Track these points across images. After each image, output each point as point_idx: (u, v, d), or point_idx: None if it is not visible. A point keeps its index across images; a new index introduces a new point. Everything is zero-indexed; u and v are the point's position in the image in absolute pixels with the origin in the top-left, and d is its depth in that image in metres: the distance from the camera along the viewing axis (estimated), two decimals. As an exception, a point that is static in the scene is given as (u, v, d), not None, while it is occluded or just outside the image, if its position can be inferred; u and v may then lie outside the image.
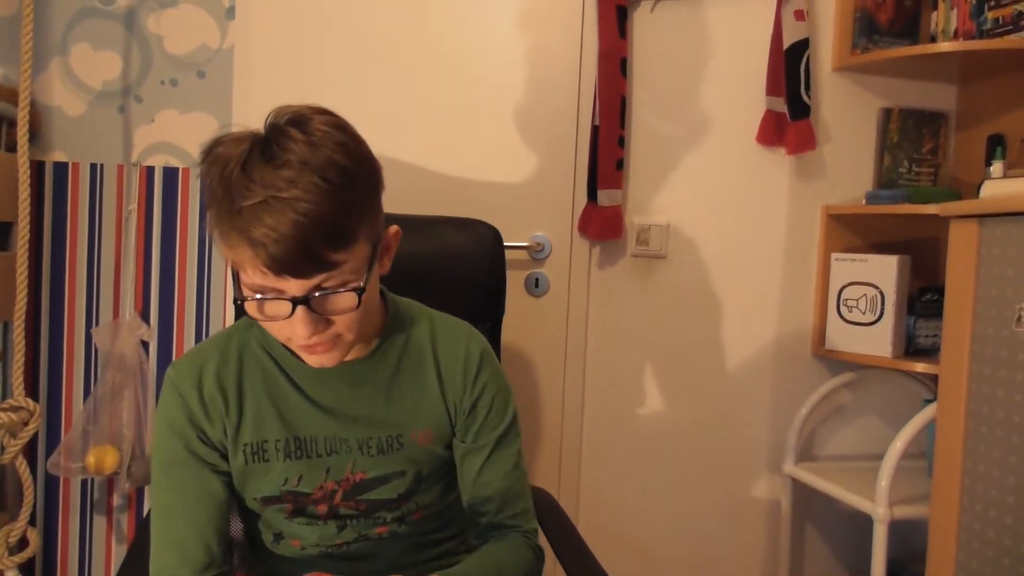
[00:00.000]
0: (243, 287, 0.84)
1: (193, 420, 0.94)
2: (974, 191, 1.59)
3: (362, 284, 0.84)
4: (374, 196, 0.87)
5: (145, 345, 1.77)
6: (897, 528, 1.60)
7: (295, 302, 0.81)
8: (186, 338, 1.78)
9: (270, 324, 0.86)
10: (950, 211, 1.43)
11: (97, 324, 1.76)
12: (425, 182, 1.81)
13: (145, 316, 1.77)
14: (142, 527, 1.10)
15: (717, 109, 1.89)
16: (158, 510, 0.95)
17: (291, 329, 0.84)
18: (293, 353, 0.95)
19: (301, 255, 0.78)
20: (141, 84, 1.75)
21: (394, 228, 0.94)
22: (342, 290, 0.83)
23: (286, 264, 0.78)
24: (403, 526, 1.02)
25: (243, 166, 0.79)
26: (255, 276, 0.81)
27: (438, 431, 1.01)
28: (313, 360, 0.89)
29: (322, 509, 0.98)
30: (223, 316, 1.78)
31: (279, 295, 0.82)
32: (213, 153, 0.82)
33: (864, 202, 1.86)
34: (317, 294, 0.82)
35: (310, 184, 0.78)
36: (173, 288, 1.78)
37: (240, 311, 1.29)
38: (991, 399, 1.35)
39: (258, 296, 0.83)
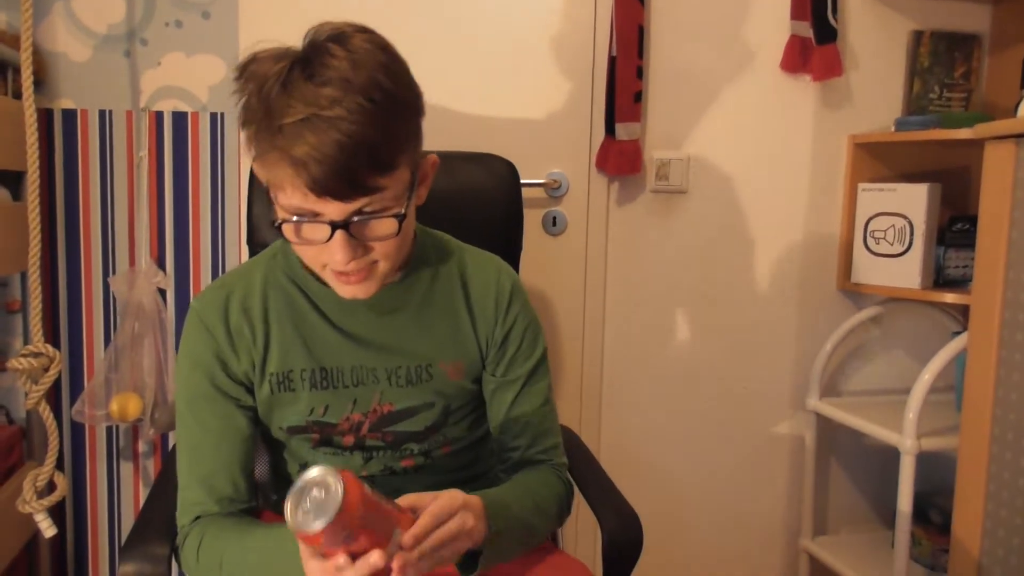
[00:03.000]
0: (280, 209, 0.82)
1: (219, 354, 0.93)
2: (1008, 116, 1.53)
3: (403, 210, 0.82)
4: (415, 121, 0.85)
5: (162, 292, 1.77)
6: (922, 461, 1.58)
7: (334, 226, 0.79)
8: (203, 284, 1.77)
9: (305, 249, 0.85)
10: (985, 132, 1.37)
11: (113, 272, 1.75)
12: (438, 117, 1.75)
13: (161, 263, 1.76)
14: (167, 462, 1.10)
15: (739, 36, 1.82)
16: (184, 445, 0.95)
17: (328, 255, 0.82)
18: (320, 281, 0.94)
19: (344, 177, 0.76)
20: (146, 27, 1.71)
21: (432, 157, 0.91)
22: (383, 215, 0.81)
23: (327, 186, 0.76)
24: (429, 460, 1.01)
25: (283, 83, 0.76)
26: (294, 197, 0.78)
27: (468, 364, 0.99)
28: (347, 291, 0.87)
29: (348, 440, 0.97)
30: (238, 260, 1.77)
31: (318, 218, 0.79)
32: (248, 70, 0.79)
33: (893, 129, 1.80)
34: (357, 219, 0.80)
35: (354, 104, 0.75)
36: (188, 234, 1.76)
37: (255, 249, 1.28)
38: (1025, 326, 1.31)
39: (295, 218, 0.81)
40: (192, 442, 0.94)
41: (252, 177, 1.30)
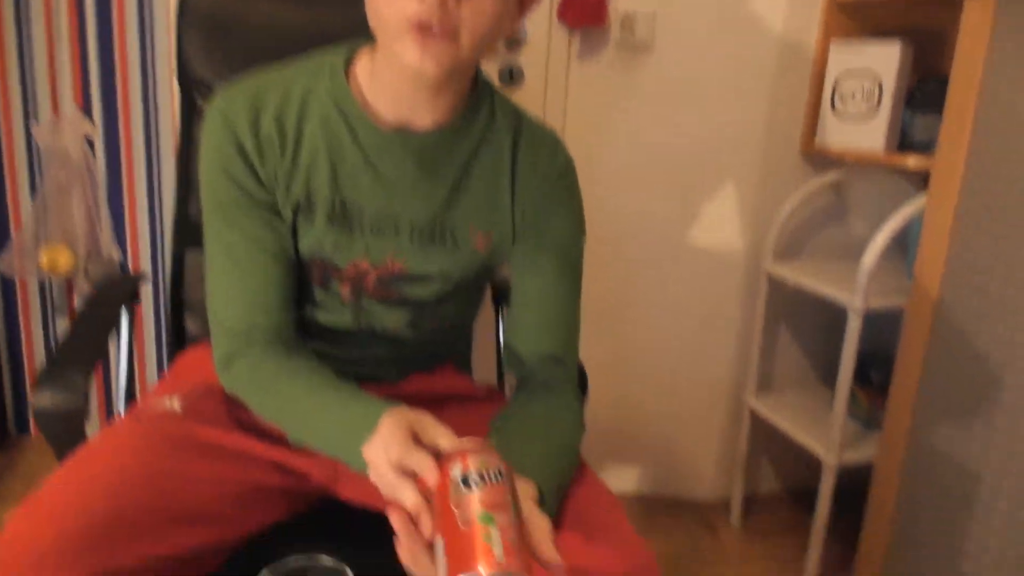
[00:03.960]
0: None
1: (247, 160, 0.84)
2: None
3: None
4: None
5: (91, 143, 1.65)
6: (868, 324, 1.60)
7: None
8: (133, 134, 1.66)
9: None
10: (966, -15, 1.30)
11: (36, 120, 1.62)
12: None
13: (87, 111, 1.63)
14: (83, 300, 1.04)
15: None
16: (219, 250, 0.86)
17: None
18: (369, 119, 0.85)
19: None
20: None
21: None
22: None
23: None
24: (416, 332, 0.95)
25: None
26: None
27: (497, 238, 0.92)
28: (417, 53, 0.75)
29: (345, 290, 0.90)
30: (171, 105, 1.65)
31: None
32: None
33: (869, -16, 1.71)
34: None
35: None
36: (114, 78, 1.63)
37: (187, 88, 1.17)
38: (985, 192, 1.30)
39: None
40: (231, 253, 0.85)
41: (182, 6, 1.17)
